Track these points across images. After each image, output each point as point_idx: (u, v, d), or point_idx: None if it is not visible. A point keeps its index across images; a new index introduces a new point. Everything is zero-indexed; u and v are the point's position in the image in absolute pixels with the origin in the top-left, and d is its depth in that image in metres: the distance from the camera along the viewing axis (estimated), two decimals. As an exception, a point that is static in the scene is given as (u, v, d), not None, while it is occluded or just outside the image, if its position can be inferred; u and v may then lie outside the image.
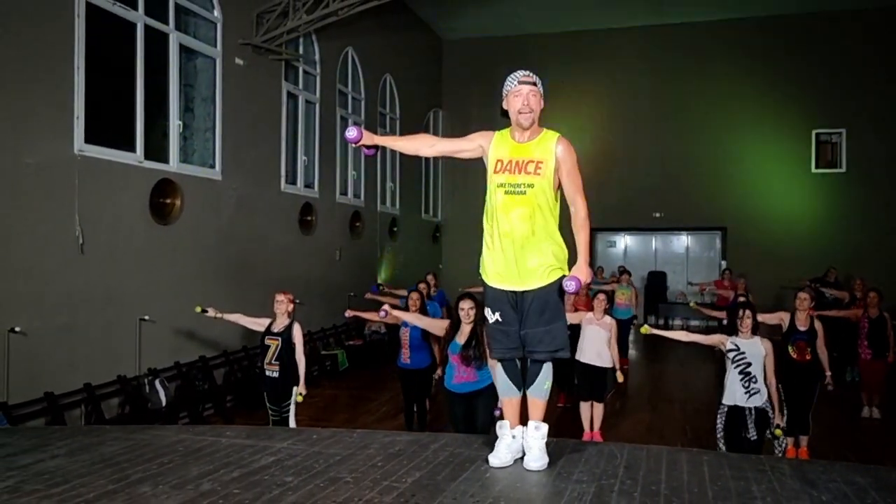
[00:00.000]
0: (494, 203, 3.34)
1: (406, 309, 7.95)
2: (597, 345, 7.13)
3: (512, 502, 2.94)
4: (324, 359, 10.85)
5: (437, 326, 6.01)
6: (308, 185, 11.41)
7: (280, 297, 6.44)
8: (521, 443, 3.39)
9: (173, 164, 8.35)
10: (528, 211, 3.25)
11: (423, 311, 7.01)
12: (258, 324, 6.56)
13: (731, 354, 5.61)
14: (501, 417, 5.28)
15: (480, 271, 3.44)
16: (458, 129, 17.07)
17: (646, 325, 6.13)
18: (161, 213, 8.10)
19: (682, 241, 17.54)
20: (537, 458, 3.29)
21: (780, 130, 15.33)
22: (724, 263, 15.81)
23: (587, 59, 16.28)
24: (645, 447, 3.91)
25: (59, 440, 3.77)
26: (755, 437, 5.56)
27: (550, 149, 3.29)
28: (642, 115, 15.99)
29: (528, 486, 3.16)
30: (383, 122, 14.31)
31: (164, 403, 7.47)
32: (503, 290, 3.32)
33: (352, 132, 3.35)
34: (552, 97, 16.20)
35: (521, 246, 3.26)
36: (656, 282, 17.07)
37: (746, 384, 5.53)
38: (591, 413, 7.34)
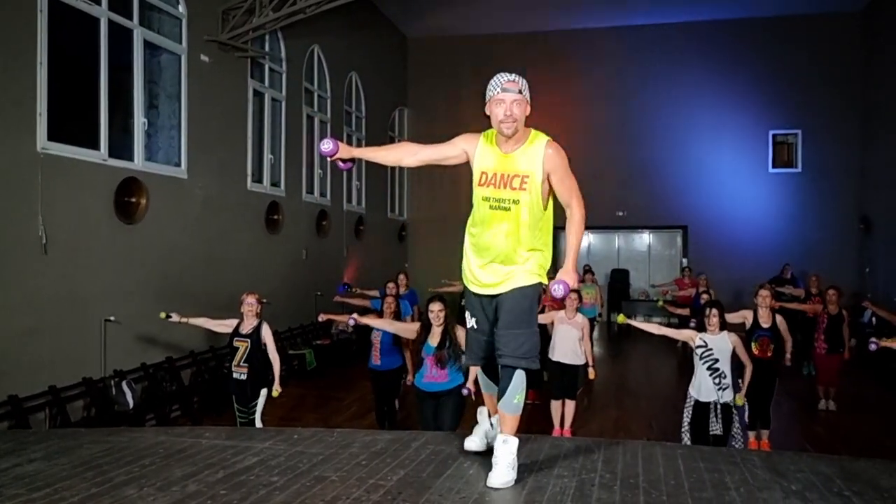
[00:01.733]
0: (479, 214, 3.25)
1: (379, 311, 8.00)
2: (569, 343, 7.25)
3: (496, 498, 3.00)
4: (291, 358, 10.78)
5: (408, 330, 6.04)
6: (274, 184, 11.33)
7: (248, 299, 6.40)
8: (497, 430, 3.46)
9: (138, 163, 8.22)
10: (512, 227, 3.16)
11: (397, 315, 7.00)
12: (224, 325, 6.51)
13: (699, 351, 5.76)
14: (470, 395, 5.39)
15: (462, 275, 3.43)
16: (423, 128, 17.15)
17: (622, 315, 6.23)
18: (126, 213, 7.97)
19: (645, 239, 17.84)
20: (502, 475, 3.12)
21: (739, 131, 15.71)
22: (685, 261, 16.13)
23: (552, 59, 16.44)
24: (621, 442, 4.01)
25: (34, 444, 3.72)
26: (720, 433, 5.72)
27: (537, 158, 3.13)
28: (606, 116, 16.21)
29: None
30: (349, 121, 14.27)
31: (131, 405, 7.36)
32: (480, 296, 3.31)
33: (327, 145, 3.14)
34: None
35: (503, 260, 3.22)
36: (619, 280, 17.33)
37: (717, 380, 5.69)
38: (563, 410, 7.45)
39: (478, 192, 3.23)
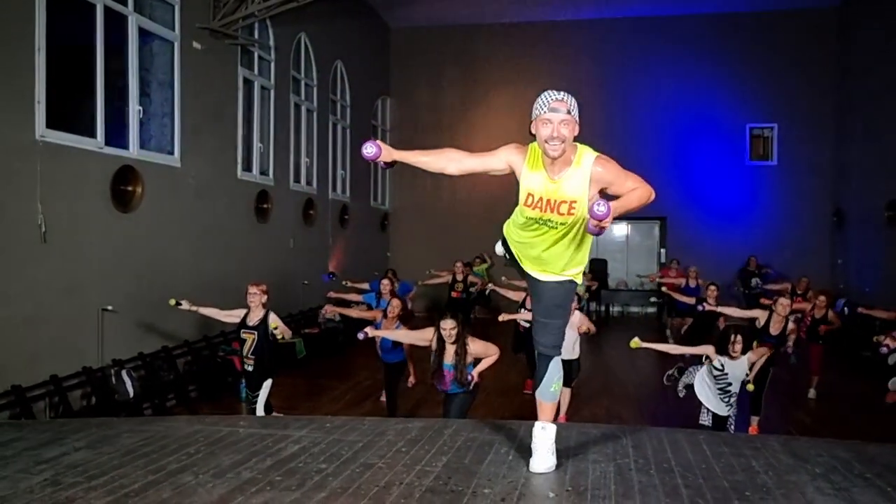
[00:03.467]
0: (524, 227, 3.27)
1: (373, 306, 8.07)
2: (569, 341, 7.40)
3: (543, 482, 3.12)
4: (280, 347, 10.77)
5: (421, 339, 6.03)
6: (263, 173, 11.29)
7: (253, 290, 6.41)
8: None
9: (133, 151, 8.16)
10: (556, 245, 3.21)
11: (406, 318, 7.04)
12: (233, 316, 6.53)
13: (714, 372, 5.90)
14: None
15: (508, 244, 3.48)
16: (406, 117, 17.18)
17: (636, 339, 5.91)
18: (122, 201, 7.91)
19: (623, 229, 18.10)
20: (545, 460, 3.26)
21: (717, 125, 16.00)
22: (663, 252, 16.45)
23: (534, 51, 16.57)
24: (643, 428, 4.17)
25: (71, 433, 3.74)
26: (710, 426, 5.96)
27: (585, 180, 3.05)
28: (585, 107, 16.14)
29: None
30: (334, 109, 14.23)
31: (131, 394, 7.35)
32: (532, 277, 3.38)
33: (370, 149, 2.99)
34: (497, 89, 16.47)
35: (545, 261, 3.30)
36: (598, 269, 17.57)
37: (726, 399, 5.91)
38: (560, 399, 7.61)
39: (524, 210, 3.20)
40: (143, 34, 8.53)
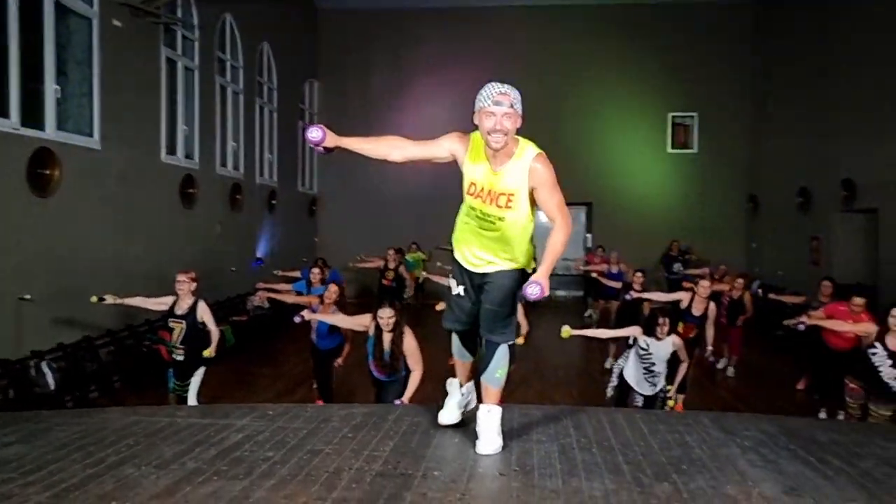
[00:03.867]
0: (469, 218, 3.29)
1: (306, 293, 7.98)
2: None
3: (491, 464, 3.18)
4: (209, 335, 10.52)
5: (359, 324, 6.00)
6: (188, 156, 10.96)
7: (181, 277, 6.24)
8: (470, 398, 3.72)
9: (50, 132, 7.79)
10: (497, 238, 3.24)
11: (341, 304, 6.98)
12: (160, 303, 6.36)
13: (640, 352, 6.11)
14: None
15: (452, 244, 3.49)
16: (334, 102, 16.94)
17: (567, 328, 5.96)
18: (39, 185, 7.54)
19: (549, 215, 18.41)
20: (491, 442, 3.31)
21: (640, 113, 16.45)
22: (589, 237, 16.83)
23: (464, 36, 16.58)
24: (583, 409, 4.29)
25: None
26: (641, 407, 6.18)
27: (523, 174, 3.10)
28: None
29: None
30: (261, 92, 13.92)
31: (52, 387, 7.06)
32: (469, 271, 3.40)
33: (315, 133, 2.96)
34: (428, 76, 16.38)
35: (492, 255, 3.31)
36: (525, 254, 17.83)
37: (651, 380, 6.13)
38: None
39: (467, 199, 3.25)
40: (60, 10, 8.12)
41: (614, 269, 11.28)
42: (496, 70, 16.32)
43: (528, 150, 3.13)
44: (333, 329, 6.91)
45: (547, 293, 2.96)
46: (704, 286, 7.60)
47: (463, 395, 3.74)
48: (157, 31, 9.96)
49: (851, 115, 11.74)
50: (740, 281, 9.63)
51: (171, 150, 10.46)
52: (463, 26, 16.67)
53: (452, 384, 3.77)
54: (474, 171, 3.18)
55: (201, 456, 3.17)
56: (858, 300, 6.78)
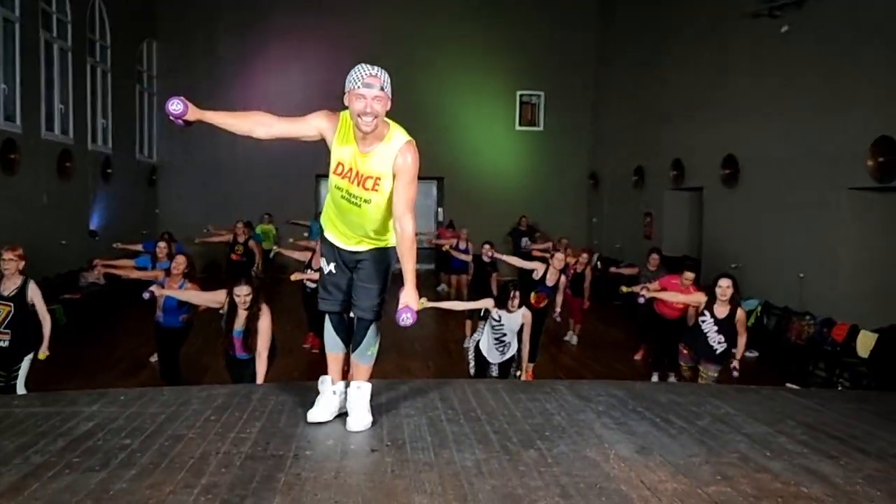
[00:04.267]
0: (334, 196, 3.24)
1: (151, 268, 7.55)
2: None
3: (363, 440, 3.18)
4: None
5: (213, 301, 5.75)
6: (8, 118, 9.92)
7: (7, 255, 5.67)
8: (341, 399, 3.46)
9: None
10: (362, 220, 3.20)
11: (190, 276, 6.64)
12: None
13: (492, 323, 6.30)
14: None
15: (323, 223, 3.43)
16: (176, 65, 15.98)
17: (423, 300, 6.13)
18: None
19: (402, 188, 18.49)
20: (360, 420, 3.31)
21: (490, 91, 16.81)
22: (440, 211, 17.08)
23: (316, 3, 16.12)
24: (448, 381, 4.39)
25: None
26: (497, 375, 6.43)
27: (389, 159, 3.06)
28: (363, 61, 16.16)
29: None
30: (92, 50, 12.81)
31: None
32: (338, 247, 3.36)
33: (177, 106, 2.80)
34: (278, 41, 15.79)
35: (359, 235, 3.29)
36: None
37: (501, 349, 6.36)
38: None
39: (332, 179, 3.18)
40: None
41: (462, 245, 11.55)
42: (348, 40, 16.21)
43: (397, 137, 3.09)
44: (182, 304, 6.58)
45: (416, 309, 3.01)
46: (559, 258, 7.99)
47: (335, 393, 3.47)
48: (-30, -23, 8.91)
49: (680, 100, 12.69)
50: (584, 256, 10.21)
51: (-12, 112, 9.45)
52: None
53: (325, 382, 3.50)
54: (342, 152, 3.12)
55: (48, 448, 2.93)
56: (689, 274, 7.44)
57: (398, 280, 3.18)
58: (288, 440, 3.13)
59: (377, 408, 3.55)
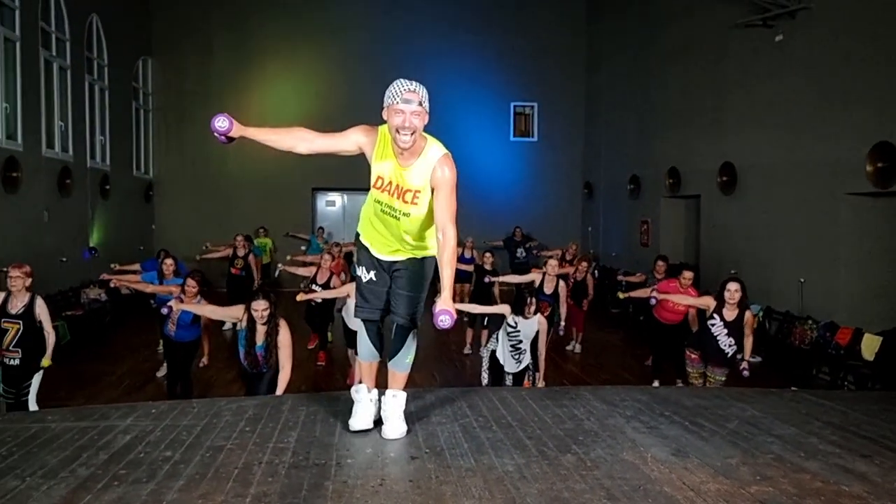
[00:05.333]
0: (374, 209, 3.28)
1: (158, 284, 7.59)
2: None
3: (401, 448, 3.21)
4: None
5: (230, 316, 5.77)
6: (10, 137, 9.90)
7: (15, 273, 5.71)
8: (377, 406, 3.48)
9: None
10: (400, 232, 3.26)
11: (204, 293, 6.67)
12: None
13: (508, 329, 6.33)
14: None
15: (360, 233, 3.46)
16: (170, 82, 16.02)
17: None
18: None
19: (397, 201, 18.53)
20: (395, 428, 3.34)
21: (484, 102, 16.89)
22: (437, 222, 17.08)
23: (306, 16, 16.21)
24: (473, 389, 4.42)
25: None
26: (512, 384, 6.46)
27: (428, 171, 3.12)
28: (359, 76, 16.12)
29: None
30: (91, 69, 12.82)
31: None
32: (377, 257, 3.40)
33: (223, 123, 2.87)
34: (271, 57, 15.79)
35: (394, 245, 3.33)
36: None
37: (517, 356, 6.38)
38: (356, 366, 7.77)
39: (374, 193, 3.23)
40: None
41: (468, 255, 11.59)
42: (341, 56, 16.29)
43: (433, 149, 3.14)
44: (196, 320, 6.61)
45: (455, 320, 3.02)
46: (552, 265, 8.15)
47: (372, 401, 3.50)
48: (-29, -4, 8.92)
49: (675, 109, 12.83)
50: (584, 264, 10.29)
51: (-10, 130, 9.44)
52: (306, 8, 16.31)
53: (360, 391, 3.51)
54: (382, 166, 3.17)
55: (92, 461, 2.94)
56: (688, 273, 7.60)
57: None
58: (327, 449, 3.15)
59: (408, 416, 3.58)
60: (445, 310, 3.00)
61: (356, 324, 5.99)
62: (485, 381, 6.57)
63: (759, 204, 10.39)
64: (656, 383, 8.08)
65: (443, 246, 3.09)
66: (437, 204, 3.11)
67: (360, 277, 3.46)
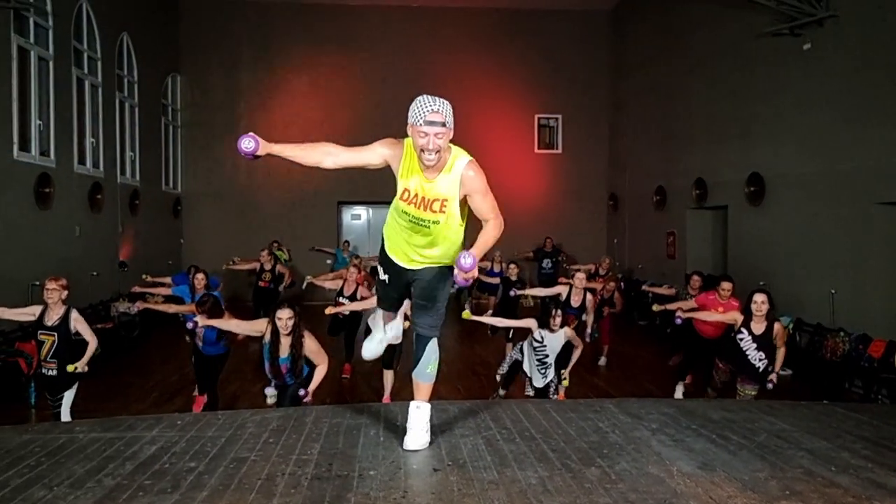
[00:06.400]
0: (401, 220, 3.32)
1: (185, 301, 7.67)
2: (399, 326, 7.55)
3: (424, 459, 3.20)
4: (78, 345, 9.79)
5: (254, 330, 5.82)
6: (44, 154, 10.11)
7: (51, 285, 5.80)
8: (392, 333, 3.86)
9: None
10: (430, 240, 3.30)
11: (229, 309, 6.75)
12: (26, 314, 5.88)
13: (534, 344, 6.31)
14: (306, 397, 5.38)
15: (384, 240, 3.50)
16: (199, 98, 16.24)
17: (467, 311, 6.46)
18: None
19: (422, 214, 18.58)
20: (420, 438, 3.37)
21: (508, 114, 16.91)
22: (462, 235, 17.10)
23: (333, 33, 16.37)
24: (496, 402, 4.40)
25: None
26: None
27: (455, 182, 3.17)
28: (382, 93, 16.23)
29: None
30: (121, 86, 13.07)
31: None
32: (399, 265, 3.43)
33: (249, 143, 2.92)
34: (296, 74, 15.91)
35: (418, 255, 3.37)
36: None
37: (542, 370, 6.36)
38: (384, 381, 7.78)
39: (400, 204, 3.27)
40: None
41: (496, 269, 11.58)
42: (366, 73, 16.40)
43: (460, 159, 3.20)
44: (222, 336, 6.67)
45: (476, 263, 3.04)
46: (580, 278, 8.06)
47: (386, 330, 3.88)
48: (7, 17, 9.13)
49: (701, 119, 12.72)
50: (612, 285, 10.23)
51: (25, 147, 9.64)
52: (330, 25, 16.46)
53: (377, 320, 3.90)
54: (408, 178, 3.21)
55: (118, 472, 2.97)
56: (727, 284, 7.33)
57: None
58: (350, 461, 3.15)
59: (432, 429, 3.57)
60: (471, 252, 3.05)
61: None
62: (499, 374, 6.64)
63: (788, 214, 10.24)
64: (679, 386, 7.97)
65: (487, 226, 3.24)
66: (476, 206, 3.22)
67: (377, 273, 3.65)
